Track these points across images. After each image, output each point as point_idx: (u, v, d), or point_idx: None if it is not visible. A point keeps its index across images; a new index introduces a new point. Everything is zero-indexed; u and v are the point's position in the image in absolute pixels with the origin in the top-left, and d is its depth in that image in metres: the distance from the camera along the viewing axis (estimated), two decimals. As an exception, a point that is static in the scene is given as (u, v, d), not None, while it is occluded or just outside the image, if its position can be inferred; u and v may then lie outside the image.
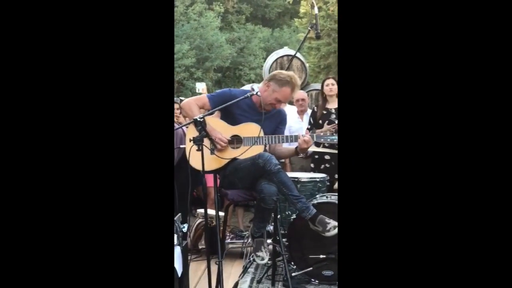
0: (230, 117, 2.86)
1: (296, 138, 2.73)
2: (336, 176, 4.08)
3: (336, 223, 2.60)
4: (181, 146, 3.81)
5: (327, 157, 4.10)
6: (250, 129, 2.79)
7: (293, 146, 2.89)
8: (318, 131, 3.45)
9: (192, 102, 2.84)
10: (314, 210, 2.67)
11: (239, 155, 2.74)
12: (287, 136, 2.76)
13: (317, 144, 4.14)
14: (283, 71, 2.92)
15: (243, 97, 2.75)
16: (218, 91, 3.02)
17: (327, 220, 2.62)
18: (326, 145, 4.12)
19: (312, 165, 4.24)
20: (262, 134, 2.74)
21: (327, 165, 4.11)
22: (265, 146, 2.82)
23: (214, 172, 2.86)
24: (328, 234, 2.60)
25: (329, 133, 2.81)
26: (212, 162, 2.72)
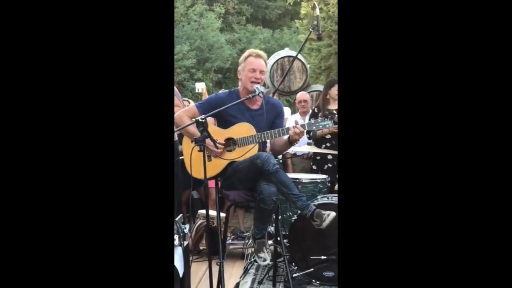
0: (223, 121, 2.87)
1: (288, 130, 2.71)
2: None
3: (331, 212, 2.60)
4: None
5: (329, 157, 4.08)
6: (243, 129, 2.78)
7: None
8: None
9: (182, 114, 2.89)
10: (314, 207, 2.67)
11: (235, 158, 2.74)
12: (278, 130, 2.73)
13: (318, 145, 4.13)
14: None
15: (244, 98, 2.75)
16: (205, 98, 3.04)
17: (323, 212, 2.63)
18: (328, 144, 4.11)
19: (314, 167, 4.20)
20: (254, 132, 2.73)
21: (330, 165, 4.09)
22: (260, 143, 2.77)
23: (214, 178, 2.87)
24: (324, 224, 2.60)
25: (320, 119, 2.76)
26: (210, 169, 2.71)
